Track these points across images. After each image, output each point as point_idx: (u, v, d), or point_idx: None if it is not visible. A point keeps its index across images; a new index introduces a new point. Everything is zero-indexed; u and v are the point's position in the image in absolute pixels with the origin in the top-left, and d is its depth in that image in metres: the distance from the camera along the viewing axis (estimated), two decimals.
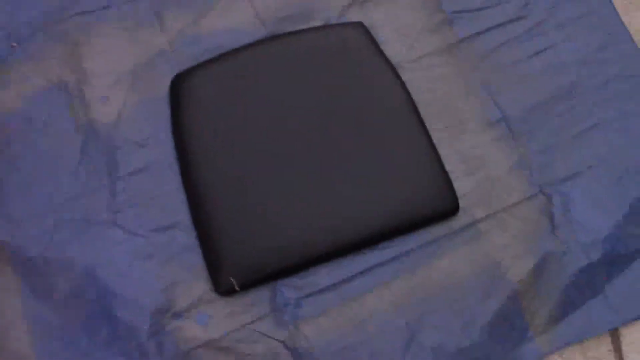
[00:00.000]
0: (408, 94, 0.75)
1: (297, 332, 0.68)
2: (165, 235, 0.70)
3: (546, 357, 0.68)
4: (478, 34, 0.80)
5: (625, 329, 0.70)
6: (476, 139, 0.76)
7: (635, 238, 0.72)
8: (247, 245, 0.68)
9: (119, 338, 0.67)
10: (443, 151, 0.74)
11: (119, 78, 0.76)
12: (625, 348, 0.70)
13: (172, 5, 0.80)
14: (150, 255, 0.69)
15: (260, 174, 0.71)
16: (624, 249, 0.71)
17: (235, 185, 0.70)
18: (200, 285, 0.69)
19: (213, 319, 0.68)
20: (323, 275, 0.70)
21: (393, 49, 0.79)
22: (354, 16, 0.81)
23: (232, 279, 0.67)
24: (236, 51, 0.76)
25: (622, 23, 0.81)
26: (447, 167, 0.73)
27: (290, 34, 0.78)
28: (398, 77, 0.76)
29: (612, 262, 0.71)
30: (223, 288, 0.68)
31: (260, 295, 0.69)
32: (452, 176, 0.73)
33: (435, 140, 0.74)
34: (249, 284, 0.68)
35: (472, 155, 0.75)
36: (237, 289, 0.67)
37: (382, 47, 0.78)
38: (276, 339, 0.68)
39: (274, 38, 0.77)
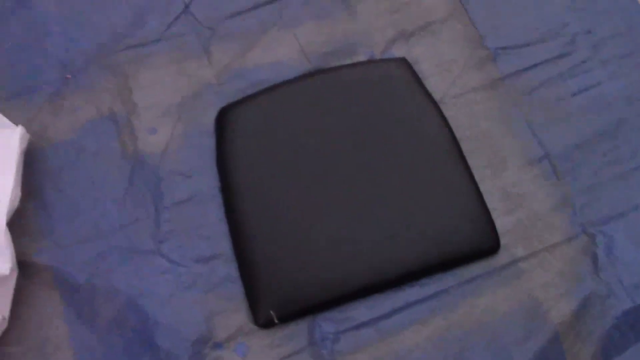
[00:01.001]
0: (450, 129, 0.76)
1: None
2: (207, 266, 0.71)
3: None
4: (522, 70, 0.80)
5: None
6: (518, 176, 0.76)
7: None
8: (287, 278, 0.69)
9: None
10: (484, 188, 0.74)
11: (167, 110, 0.78)
12: None
13: (220, 39, 0.82)
14: (192, 285, 0.71)
15: (302, 207, 0.71)
16: None
17: (276, 217, 0.71)
18: (240, 316, 0.70)
19: (252, 350, 0.69)
20: (361, 310, 0.70)
21: (436, 85, 0.80)
22: (397, 52, 0.81)
23: (271, 312, 0.68)
24: (280, 85, 0.78)
25: None
26: (489, 205, 0.73)
27: (334, 68, 0.79)
28: (440, 112, 0.76)
29: None
30: (262, 320, 0.68)
31: (299, 329, 0.69)
32: (494, 213, 0.73)
33: (476, 177, 0.74)
34: (288, 317, 0.69)
35: (514, 193, 0.75)
36: (276, 321, 0.68)
37: (425, 82, 0.79)
38: None
39: (318, 72, 0.79)
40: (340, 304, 0.70)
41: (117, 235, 0.73)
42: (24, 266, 0.71)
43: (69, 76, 0.79)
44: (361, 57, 0.81)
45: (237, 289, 0.71)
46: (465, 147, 0.76)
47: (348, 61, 0.80)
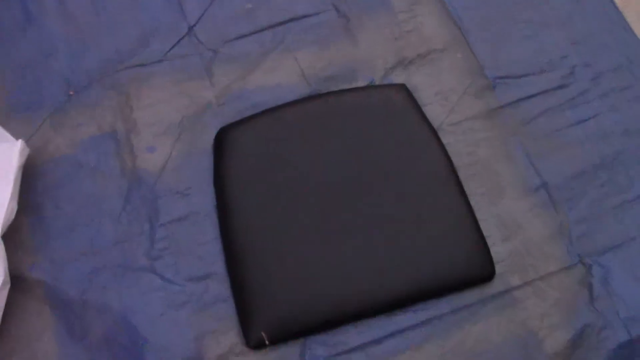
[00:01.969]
0: (448, 156, 0.76)
1: None
2: (200, 285, 0.71)
3: None
4: (520, 100, 0.81)
5: None
6: (515, 205, 0.75)
7: None
8: (279, 300, 0.68)
9: None
10: (481, 215, 0.74)
11: (167, 129, 0.79)
12: None
13: (222, 61, 0.83)
14: (184, 304, 0.70)
15: (297, 229, 0.71)
16: None
17: (271, 239, 0.71)
18: (230, 336, 0.69)
19: None
20: (353, 334, 0.69)
21: (434, 112, 0.80)
22: (397, 78, 0.82)
23: (263, 333, 0.67)
24: (280, 107, 0.78)
25: None
26: (484, 232, 0.73)
27: (333, 92, 0.80)
28: (438, 139, 0.77)
29: None
30: (253, 342, 0.68)
31: (290, 351, 0.69)
32: (489, 241, 0.73)
33: (473, 204, 0.74)
34: (279, 339, 0.68)
35: (510, 221, 0.75)
36: (267, 343, 0.68)
37: (424, 109, 0.79)
38: None
39: (317, 96, 0.79)
40: (332, 327, 0.69)
41: (112, 252, 0.73)
42: (16, 280, 0.70)
43: (72, 93, 0.80)
44: (361, 83, 0.82)
45: (229, 309, 0.70)
46: (462, 174, 0.76)
47: (348, 86, 0.81)
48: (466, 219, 0.73)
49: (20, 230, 0.73)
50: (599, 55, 0.83)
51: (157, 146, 0.78)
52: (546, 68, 0.83)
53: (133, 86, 0.81)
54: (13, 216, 0.70)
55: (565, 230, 0.74)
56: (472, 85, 0.82)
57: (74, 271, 0.72)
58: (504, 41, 0.84)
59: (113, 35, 0.84)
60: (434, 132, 0.77)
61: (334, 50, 0.83)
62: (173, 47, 0.83)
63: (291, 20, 0.85)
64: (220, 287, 0.71)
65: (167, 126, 0.79)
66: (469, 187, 0.75)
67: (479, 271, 0.71)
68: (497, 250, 0.73)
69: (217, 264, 0.72)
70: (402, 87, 0.80)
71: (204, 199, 0.75)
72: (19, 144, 0.72)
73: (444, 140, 0.78)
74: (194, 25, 0.84)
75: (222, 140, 0.77)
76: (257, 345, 0.68)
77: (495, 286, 0.71)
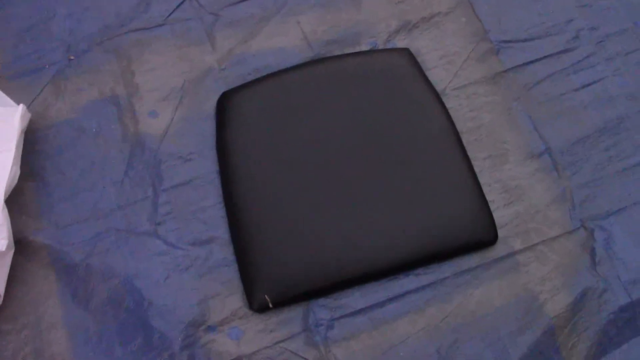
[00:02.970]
0: (451, 121, 0.75)
1: (328, 353, 0.68)
2: (204, 249, 0.71)
3: None
4: (525, 64, 0.80)
5: None
6: (518, 169, 0.75)
7: None
8: (282, 263, 0.69)
9: (153, 348, 0.68)
10: (484, 180, 0.74)
11: (169, 94, 0.78)
12: None
13: (223, 25, 0.82)
14: (187, 268, 0.71)
15: (300, 193, 0.71)
16: None
17: (274, 203, 0.71)
18: (234, 300, 0.70)
19: (245, 334, 0.68)
20: (356, 298, 0.70)
21: (438, 76, 0.79)
22: (400, 42, 0.81)
23: (266, 297, 0.68)
24: (282, 72, 0.78)
25: None
26: (488, 197, 0.73)
27: (336, 57, 0.79)
28: (442, 104, 0.76)
29: None
30: (257, 305, 0.68)
31: (293, 314, 0.69)
32: (492, 206, 0.73)
33: (476, 169, 0.74)
34: (282, 302, 0.69)
35: (514, 186, 0.74)
36: (270, 306, 0.68)
37: (428, 73, 0.78)
38: (306, 359, 0.68)
39: (320, 60, 0.79)
40: (335, 291, 0.70)
41: (115, 217, 0.73)
42: (21, 244, 0.71)
43: (72, 57, 0.80)
44: (364, 47, 0.81)
45: (232, 273, 0.71)
46: (465, 139, 0.76)
47: (351, 50, 0.80)
48: (469, 183, 0.72)
49: (23, 194, 0.73)
50: (605, 19, 0.82)
51: (159, 111, 0.77)
52: (551, 32, 0.82)
53: (134, 50, 0.80)
54: (16, 181, 0.70)
55: (568, 194, 0.74)
56: (476, 49, 0.81)
57: (78, 235, 0.72)
58: (508, 4, 0.83)
59: None
60: (437, 97, 0.77)
61: (337, 13, 0.82)
62: (174, 10, 0.82)
63: None
64: (223, 251, 0.71)
65: (169, 91, 0.78)
66: (472, 152, 0.75)
67: (482, 235, 0.71)
68: (500, 214, 0.73)
69: (220, 229, 0.72)
70: (406, 51, 0.79)
71: (207, 164, 0.75)
72: (20, 109, 0.72)
73: (448, 105, 0.77)
74: None
75: (224, 105, 0.76)
76: (260, 308, 0.69)
77: (497, 250, 0.72)
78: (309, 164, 0.73)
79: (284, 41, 0.81)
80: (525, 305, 0.69)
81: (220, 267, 0.71)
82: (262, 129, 0.74)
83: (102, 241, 0.72)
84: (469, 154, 0.75)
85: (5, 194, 0.67)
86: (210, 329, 0.69)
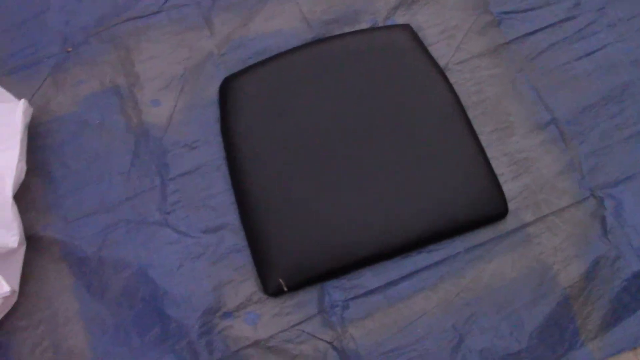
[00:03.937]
0: (456, 96, 0.75)
1: (345, 333, 0.68)
2: (215, 236, 0.71)
3: None
4: (527, 35, 0.79)
5: None
6: (525, 141, 0.75)
7: None
8: (295, 246, 0.69)
9: (170, 337, 0.68)
10: (491, 154, 0.74)
11: (170, 82, 0.77)
12: None
13: (221, 9, 0.81)
14: (199, 255, 0.71)
15: (309, 175, 0.71)
16: None
17: (283, 186, 0.71)
18: (249, 285, 0.70)
19: (262, 319, 0.69)
20: (370, 277, 0.70)
21: (440, 51, 0.79)
22: (400, 18, 0.81)
23: (280, 280, 0.68)
24: (283, 54, 0.77)
25: None
26: (496, 170, 0.73)
27: (337, 36, 0.78)
28: (445, 79, 0.76)
29: None
30: (271, 289, 0.68)
31: (308, 297, 0.69)
32: (501, 179, 0.73)
33: (483, 143, 0.74)
34: (297, 285, 0.69)
35: (521, 158, 0.74)
36: (285, 289, 0.68)
37: (429, 49, 0.78)
38: (324, 340, 0.68)
39: (321, 41, 0.78)
40: (349, 271, 0.70)
41: (124, 208, 0.72)
42: (32, 240, 0.71)
43: (69, 49, 0.79)
44: (364, 25, 0.80)
45: (245, 259, 0.71)
46: (471, 114, 0.75)
47: (351, 29, 0.80)
48: (477, 157, 0.72)
49: (30, 190, 0.72)
50: None
51: (161, 100, 0.77)
52: (551, 1, 0.81)
53: (132, 39, 0.79)
54: (23, 176, 0.69)
55: (576, 164, 0.74)
56: (477, 21, 0.80)
57: (88, 229, 0.72)
58: None
59: None
60: (440, 72, 0.76)
61: None
62: None
63: None
64: (235, 237, 0.71)
65: (169, 79, 0.78)
66: (478, 126, 0.75)
67: (492, 209, 0.71)
68: (509, 187, 0.73)
69: (231, 215, 0.72)
70: (407, 27, 0.78)
71: (213, 150, 0.75)
72: (21, 104, 0.71)
73: (451, 80, 0.77)
74: None
75: (227, 91, 0.76)
76: (275, 292, 0.69)
77: (508, 223, 0.72)
78: (316, 145, 0.72)
79: (282, 23, 0.80)
80: (539, 277, 0.70)
81: (233, 253, 0.71)
82: (266, 112, 0.74)
83: (113, 233, 0.71)
84: (475, 128, 0.74)
85: (13, 190, 0.67)
86: (227, 315, 0.69)
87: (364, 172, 0.71)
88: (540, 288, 0.69)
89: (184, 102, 0.77)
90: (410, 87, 0.75)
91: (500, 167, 0.73)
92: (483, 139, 0.74)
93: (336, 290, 0.70)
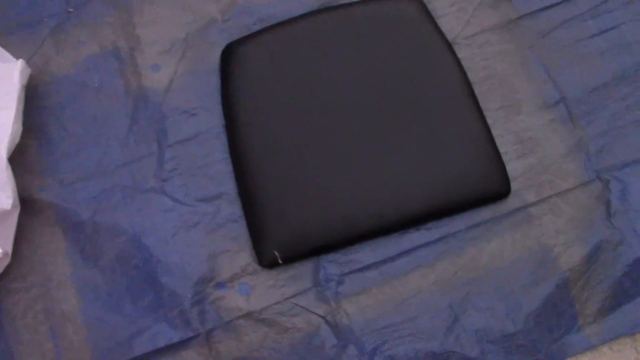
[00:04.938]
0: (463, 71, 0.73)
1: (338, 308, 0.68)
2: (211, 205, 0.70)
3: (595, 348, 0.66)
4: (539, 10, 0.77)
5: None
6: (532, 120, 0.73)
7: None
8: (291, 219, 0.68)
9: (163, 304, 0.68)
10: (497, 131, 0.72)
11: (171, 46, 0.76)
12: None
13: None
14: (195, 224, 0.70)
15: (308, 147, 0.70)
16: None
17: (282, 157, 0.70)
18: (243, 256, 0.69)
19: (255, 290, 0.68)
20: (367, 252, 0.69)
21: (449, 24, 0.77)
22: None
23: (275, 252, 0.67)
24: (288, 22, 0.75)
25: None
26: (500, 148, 0.71)
27: (345, 5, 0.76)
28: (453, 53, 0.74)
29: None
30: (266, 261, 0.68)
31: (303, 270, 0.69)
32: (505, 157, 0.71)
33: (489, 120, 0.72)
34: (292, 258, 0.68)
35: (527, 137, 0.73)
36: (280, 262, 0.67)
37: (438, 21, 0.76)
38: (317, 314, 0.67)
39: (327, 10, 0.76)
40: (345, 246, 0.69)
41: (121, 173, 0.72)
42: (26, 203, 0.70)
43: (70, 10, 0.77)
44: None
45: (241, 229, 0.70)
46: (478, 90, 0.73)
47: None
48: (481, 135, 0.71)
49: (26, 152, 0.72)
50: None
51: (161, 64, 0.75)
52: None
53: (134, 2, 0.78)
54: (18, 138, 0.68)
55: (583, 145, 0.72)
56: None
57: (84, 193, 0.71)
58: None
59: None
60: (448, 46, 0.74)
61: None
62: None
63: None
64: (231, 207, 0.70)
65: (171, 43, 0.76)
66: (485, 103, 0.73)
67: (495, 188, 0.70)
68: (513, 166, 0.71)
69: (228, 184, 0.71)
70: None
71: (212, 118, 0.73)
72: (19, 64, 0.70)
73: (459, 54, 0.75)
74: None
75: (229, 58, 0.74)
76: (270, 264, 0.68)
77: (510, 203, 0.70)
78: (317, 116, 0.71)
79: None
80: (539, 259, 0.68)
81: (229, 223, 0.70)
82: (268, 81, 0.72)
83: (109, 198, 0.71)
84: (481, 104, 0.73)
85: (8, 151, 0.66)
86: (220, 285, 0.68)
87: (365, 145, 0.70)
88: (539, 270, 0.68)
89: (185, 67, 0.75)
90: (417, 60, 0.73)
91: (504, 146, 0.72)
92: (489, 115, 0.73)
93: (331, 264, 0.69)
